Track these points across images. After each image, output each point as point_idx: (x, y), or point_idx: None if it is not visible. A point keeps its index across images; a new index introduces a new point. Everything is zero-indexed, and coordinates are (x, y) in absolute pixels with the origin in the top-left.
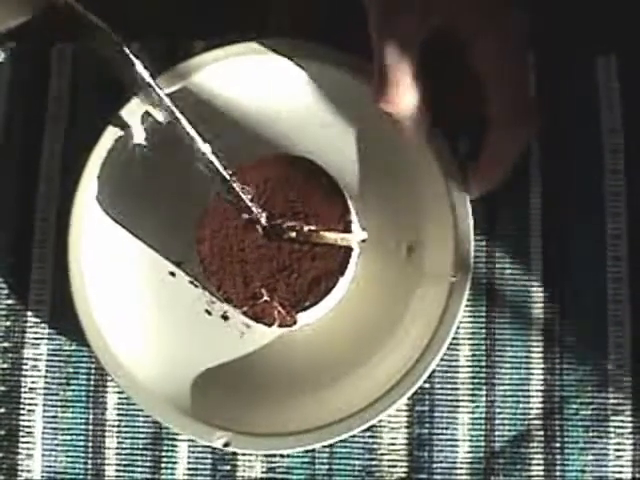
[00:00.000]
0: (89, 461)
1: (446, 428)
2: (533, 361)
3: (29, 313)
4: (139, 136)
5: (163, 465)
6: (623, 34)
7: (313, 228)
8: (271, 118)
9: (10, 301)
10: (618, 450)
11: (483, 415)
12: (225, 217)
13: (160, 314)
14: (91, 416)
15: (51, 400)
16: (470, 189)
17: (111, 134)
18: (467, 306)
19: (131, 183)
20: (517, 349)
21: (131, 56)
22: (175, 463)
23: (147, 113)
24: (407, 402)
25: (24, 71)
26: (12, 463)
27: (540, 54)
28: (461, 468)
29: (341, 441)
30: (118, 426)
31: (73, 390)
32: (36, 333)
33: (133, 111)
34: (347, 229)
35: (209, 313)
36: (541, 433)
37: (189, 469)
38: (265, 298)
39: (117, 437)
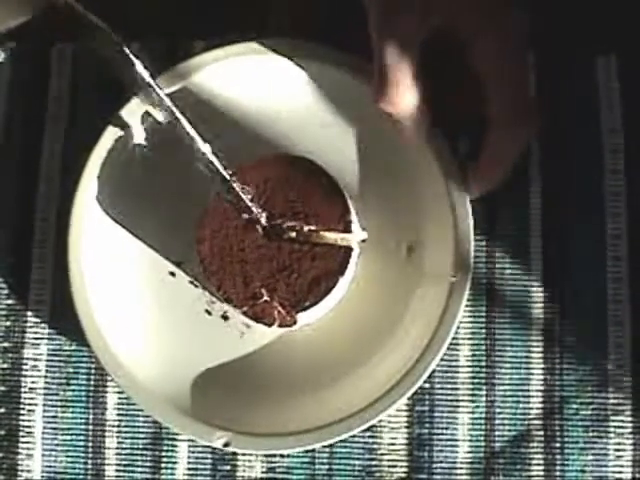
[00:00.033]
0: (89, 461)
1: (446, 428)
2: (533, 361)
3: (29, 313)
4: (139, 136)
5: (163, 465)
6: (623, 34)
7: (313, 228)
8: (271, 118)
9: (10, 301)
10: (618, 450)
11: (483, 415)
12: (225, 217)
13: (160, 314)
14: (91, 416)
15: (51, 400)
16: (470, 189)
17: (111, 134)
18: (467, 306)
19: (131, 183)
20: (517, 349)
21: (131, 56)
22: (175, 463)
23: (147, 113)
24: (407, 402)
25: (24, 71)
26: (12, 463)
27: (540, 54)
28: (461, 468)
29: (341, 441)
30: (118, 426)
31: (73, 390)
32: (36, 333)
33: (133, 111)
34: (347, 229)
35: (209, 313)
36: (541, 433)
37: (189, 469)
38: (265, 298)
39: (117, 437)
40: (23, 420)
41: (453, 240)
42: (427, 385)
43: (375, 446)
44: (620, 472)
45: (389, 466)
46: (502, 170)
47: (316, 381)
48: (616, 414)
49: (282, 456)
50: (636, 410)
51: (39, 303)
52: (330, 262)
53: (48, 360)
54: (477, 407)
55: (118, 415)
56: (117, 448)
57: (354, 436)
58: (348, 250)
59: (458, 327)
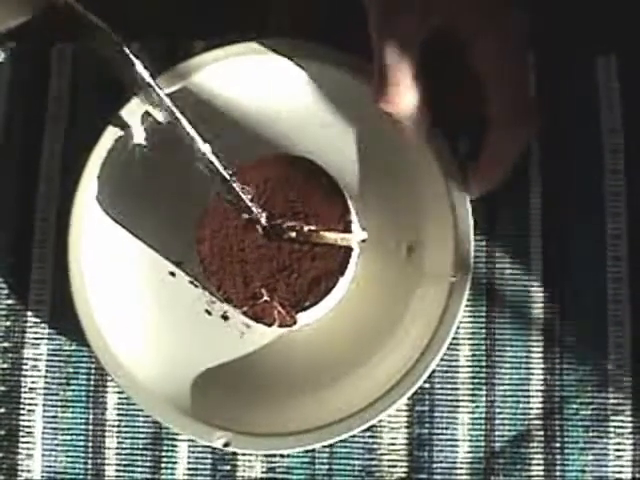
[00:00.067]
0: (89, 461)
1: (446, 428)
2: (533, 361)
3: (29, 313)
4: (139, 136)
5: (163, 465)
6: (623, 34)
7: (313, 228)
8: (271, 118)
9: (10, 301)
10: (618, 450)
11: (483, 415)
12: (225, 217)
13: (160, 314)
14: (91, 416)
15: (51, 400)
16: (470, 189)
17: (111, 134)
18: (467, 306)
19: (131, 183)
20: (517, 349)
21: (131, 56)
22: (175, 463)
23: (147, 113)
24: (407, 402)
25: (24, 71)
26: (12, 463)
27: (540, 54)
28: (461, 468)
29: (341, 441)
30: (118, 426)
31: (73, 390)
32: (36, 333)
33: (133, 111)
34: (347, 229)
35: (209, 313)
36: (541, 433)
37: (189, 469)
38: (265, 298)
39: (117, 437)
40: (23, 420)
41: (453, 240)
42: (427, 385)
43: (375, 446)
44: (620, 472)
45: (389, 466)
46: (502, 170)
47: (316, 381)
48: (616, 414)
49: (282, 456)
50: (636, 410)
51: (39, 303)
52: (330, 262)
53: (48, 360)
54: (477, 407)
55: (118, 415)
56: (117, 448)
57: (354, 436)
58: (348, 250)
59: (458, 327)
